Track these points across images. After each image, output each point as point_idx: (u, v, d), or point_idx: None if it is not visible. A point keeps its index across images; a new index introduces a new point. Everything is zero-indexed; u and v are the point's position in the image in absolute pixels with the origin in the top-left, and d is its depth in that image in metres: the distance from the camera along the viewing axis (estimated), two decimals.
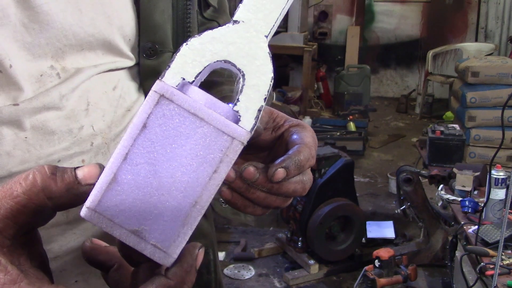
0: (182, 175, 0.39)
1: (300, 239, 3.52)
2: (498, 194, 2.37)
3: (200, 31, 0.80)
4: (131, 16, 0.67)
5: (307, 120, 5.75)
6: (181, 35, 0.72)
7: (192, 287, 0.42)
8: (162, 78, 0.40)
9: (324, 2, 7.61)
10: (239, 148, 0.40)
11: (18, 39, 0.57)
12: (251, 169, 0.48)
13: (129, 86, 0.69)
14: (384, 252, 2.96)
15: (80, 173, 0.40)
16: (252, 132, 0.41)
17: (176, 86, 0.40)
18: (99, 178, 0.39)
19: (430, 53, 6.58)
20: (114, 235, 0.39)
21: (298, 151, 0.52)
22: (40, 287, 0.39)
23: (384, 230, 3.86)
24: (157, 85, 0.39)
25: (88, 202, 0.39)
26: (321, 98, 6.96)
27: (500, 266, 1.99)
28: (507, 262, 2.09)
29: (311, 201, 3.40)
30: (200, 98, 0.39)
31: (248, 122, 0.40)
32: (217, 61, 0.41)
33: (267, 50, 0.42)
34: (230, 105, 0.41)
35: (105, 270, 0.47)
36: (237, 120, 0.40)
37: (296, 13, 6.38)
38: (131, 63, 0.69)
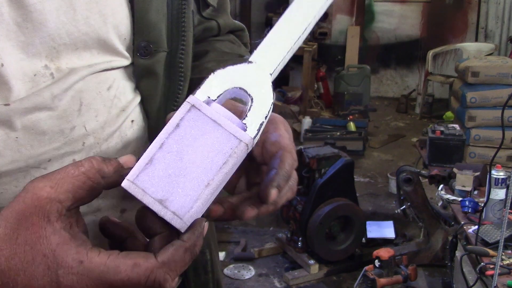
0: (200, 163, 0.52)
1: (300, 239, 3.52)
2: (498, 194, 2.37)
3: (198, 30, 0.81)
4: (126, 15, 0.67)
5: (307, 120, 5.75)
6: (176, 35, 0.72)
7: (199, 250, 0.52)
8: (193, 94, 0.55)
9: None
10: (244, 149, 0.53)
11: (12, 38, 0.57)
12: (251, 212, 0.57)
13: (125, 86, 0.68)
14: (384, 252, 2.96)
15: (122, 160, 0.53)
16: (255, 139, 0.55)
17: (204, 101, 0.55)
18: (139, 160, 0.52)
19: (430, 53, 6.58)
20: (144, 201, 0.51)
21: (282, 162, 0.58)
22: (86, 247, 0.48)
23: (384, 230, 3.85)
24: (190, 98, 0.54)
25: (129, 176, 0.52)
26: (321, 98, 6.95)
27: (500, 266, 1.99)
28: (507, 262, 2.09)
29: (311, 201, 3.40)
30: (219, 111, 0.54)
31: (252, 132, 0.54)
32: (235, 87, 0.57)
33: (270, 83, 0.58)
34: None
35: (116, 243, 0.55)
36: (244, 129, 0.54)
37: None
38: (126, 62, 0.68)
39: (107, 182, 0.52)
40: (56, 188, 0.49)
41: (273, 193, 0.56)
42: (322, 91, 7.06)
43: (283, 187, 0.57)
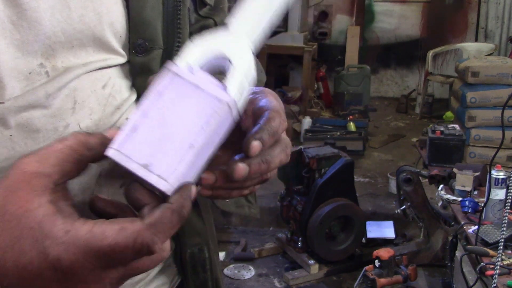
0: (182, 126, 0.52)
1: (300, 239, 3.52)
2: (498, 194, 2.37)
3: (196, 29, 0.81)
4: (121, 12, 0.67)
5: (307, 120, 5.75)
6: (171, 32, 0.72)
7: (189, 213, 0.51)
8: (174, 61, 0.55)
9: (324, 2, 7.61)
10: (225, 107, 0.53)
11: (7, 36, 0.57)
12: (240, 166, 0.55)
13: (120, 84, 0.68)
14: (384, 252, 2.96)
15: (107, 133, 0.53)
16: (238, 104, 0.55)
17: (186, 69, 0.55)
18: (123, 127, 0.52)
19: (430, 53, 6.58)
20: (129, 167, 0.51)
21: (268, 119, 0.57)
22: (73, 218, 0.49)
23: (384, 230, 3.86)
24: (170, 65, 0.54)
25: (113, 144, 0.52)
26: (321, 98, 6.96)
27: (500, 266, 1.99)
28: (507, 262, 2.09)
29: (311, 201, 3.40)
30: (202, 76, 0.54)
31: (233, 92, 0.54)
32: (215, 55, 0.56)
33: (250, 49, 0.58)
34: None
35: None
36: (225, 90, 0.54)
37: (296, 13, 6.38)
38: (122, 60, 0.68)
39: (93, 154, 0.52)
40: (42, 162, 0.50)
41: (255, 144, 0.54)
42: (322, 91, 7.06)
43: (267, 142, 0.56)
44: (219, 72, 0.57)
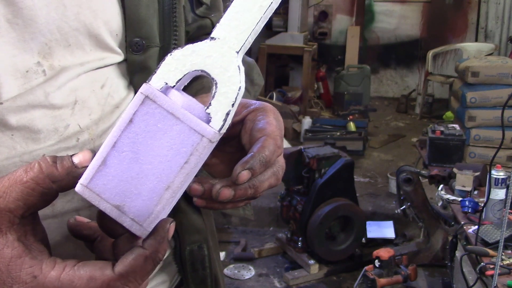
0: (158, 163, 0.47)
1: (300, 239, 3.52)
2: (498, 194, 2.37)
3: (193, 28, 0.81)
4: (117, 10, 0.67)
5: (307, 120, 5.75)
6: (168, 30, 0.72)
7: (164, 255, 0.49)
8: (148, 81, 0.49)
9: (324, 2, 7.61)
10: (207, 145, 0.48)
11: (3, 34, 0.57)
12: (225, 191, 0.54)
13: (118, 84, 0.69)
14: (384, 252, 2.96)
15: (76, 159, 0.49)
16: (221, 132, 0.49)
17: (160, 89, 0.48)
18: (92, 161, 0.48)
19: (430, 53, 6.58)
20: (100, 207, 0.48)
21: (262, 147, 0.56)
22: (41, 259, 0.47)
23: (384, 230, 3.86)
24: (143, 88, 0.48)
25: (82, 180, 0.48)
26: (321, 98, 6.96)
27: (500, 266, 1.99)
28: (507, 262, 2.09)
29: (311, 201, 3.40)
30: (178, 100, 0.48)
31: (217, 123, 0.48)
32: (195, 70, 0.49)
33: (238, 64, 0.50)
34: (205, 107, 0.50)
35: (89, 242, 0.54)
36: (208, 121, 0.48)
37: (296, 13, 6.38)
38: (119, 58, 0.68)
39: (59, 185, 0.49)
40: (5, 198, 0.47)
41: (244, 174, 0.53)
42: (322, 91, 7.06)
43: (257, 171, 0.55)
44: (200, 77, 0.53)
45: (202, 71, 0.49)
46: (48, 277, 0.46)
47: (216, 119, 0.48)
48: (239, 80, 0.49)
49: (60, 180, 0.49)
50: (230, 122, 0.50)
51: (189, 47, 0.50)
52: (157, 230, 0.49)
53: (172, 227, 0.49)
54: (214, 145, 0.49)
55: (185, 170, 0.47)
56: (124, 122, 0.47)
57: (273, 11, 0.52)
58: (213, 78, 0.49)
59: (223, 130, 0.49)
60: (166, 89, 0.49)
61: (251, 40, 0.51)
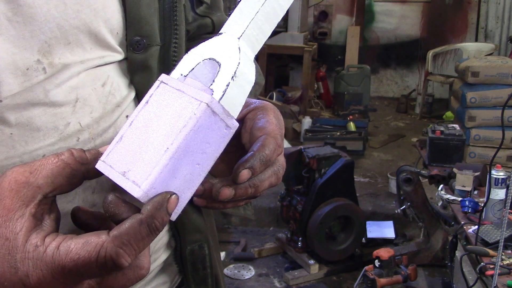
0: (162, 131, 0.51)
1: (300, 239, 3.52)
2: (498, 194, 2.37)
3: (193, 27, 0.81)
4: (118, 9, 0.67)
5: (307, 120, 5.75)
6: (168, 29, 0.72)
7: (163, 226, 0.49)
8: (168, 74, 0.55)
9: (324, 2, 7.61)
10: (204, 109, 0.51)
11: (2, 32, 0.57)
12: (225, 190, 0.55)
13: (119, 82, 0.69)
14: (384, 252, 2.96)
15: (102, 150, 0.54)
16: (221, 99, 0.53)
17: (177, 78, 0.55)
18: (113, 140, 0.53)
19: (430, 53, 6.58)
20: (110, 176, 0.51)
21: (262, 146, 0.57)
22: (46, 232, 0.49)
23: (384, 230, 3.86)
24: (160, 76, 0.54)
25: (102, 157, 0.52)
26: (321, 98, 6.96)
27: (500, 266, 1.99)
28: (507, 262, 2.09)
29: (311, 201, 3.40)
30: (189, 82, 0.54)
31: (217, 94, 0.53)
32: (204, 59, 0.56)
33: (238, 46, 0.56)
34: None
35: (89, 231, 0.54)
36: (211, 94, 0.53)
37: (296, 13, 6.38)
38: (120, 57, 0.68)
39: (86, 169, 0.52)
40: (35, 174, 0.50)
41: (244, 173, 0.54)
42: (322, 91, 7.06)
43: (257, 170, 0.55)
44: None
45: (210, 58, 0.55)
46: (48, 246, 0.48)
47: (217, 90, 0.53)
48: (238, 57, 0.55)
49: (88, 164, 0.52)
50: (242, 102, 0.55)
51: (202, 44, 0.57)
52: (155, 196, 0.49)
53: (173, 199, 0.50)
54: (222, 122, 0.52)
55: (183, 132, 0.50)
56: (141, 104, 0.53)
57: (279, 6, 0.58)
58: (218, 62, 0.55)
59: (233, 106, 0.54)
60: (180, 78, 0.55)
61: (254, 28, 0.57)
